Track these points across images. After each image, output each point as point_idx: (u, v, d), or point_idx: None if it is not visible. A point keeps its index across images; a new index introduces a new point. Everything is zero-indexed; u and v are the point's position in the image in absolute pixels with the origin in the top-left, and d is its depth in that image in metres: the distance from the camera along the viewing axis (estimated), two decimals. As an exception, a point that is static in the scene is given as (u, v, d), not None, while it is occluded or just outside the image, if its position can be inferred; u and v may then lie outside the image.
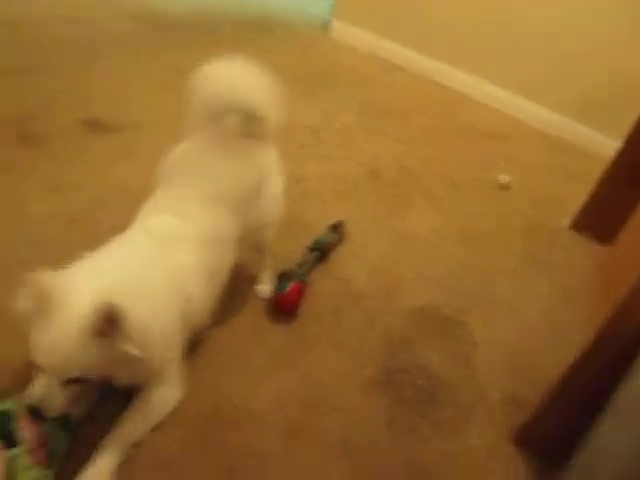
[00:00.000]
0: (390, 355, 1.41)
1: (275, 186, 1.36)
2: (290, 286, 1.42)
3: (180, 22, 3.30)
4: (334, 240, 1.72)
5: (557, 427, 1.21)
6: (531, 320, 1.70)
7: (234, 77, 1.21)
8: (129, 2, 3.33)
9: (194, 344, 1.21)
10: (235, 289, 1.38)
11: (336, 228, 1.77)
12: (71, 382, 0.87)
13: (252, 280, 1.49)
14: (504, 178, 2.47)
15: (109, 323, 0.82)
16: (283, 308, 1.43)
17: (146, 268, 1.02)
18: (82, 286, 0.87)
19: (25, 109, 1.97)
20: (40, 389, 0.84)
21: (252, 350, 1.32)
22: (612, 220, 2.09)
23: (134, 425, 1.02)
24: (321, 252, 1.64)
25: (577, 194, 2.24)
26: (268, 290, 1.47)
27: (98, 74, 2.39)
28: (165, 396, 1.09)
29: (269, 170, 1.33)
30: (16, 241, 1.40)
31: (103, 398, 1.07)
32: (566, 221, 2.28)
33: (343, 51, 3.73)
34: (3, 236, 1.40)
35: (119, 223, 1.15)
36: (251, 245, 1.41)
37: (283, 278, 1.44)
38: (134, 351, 0.86)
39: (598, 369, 1.13)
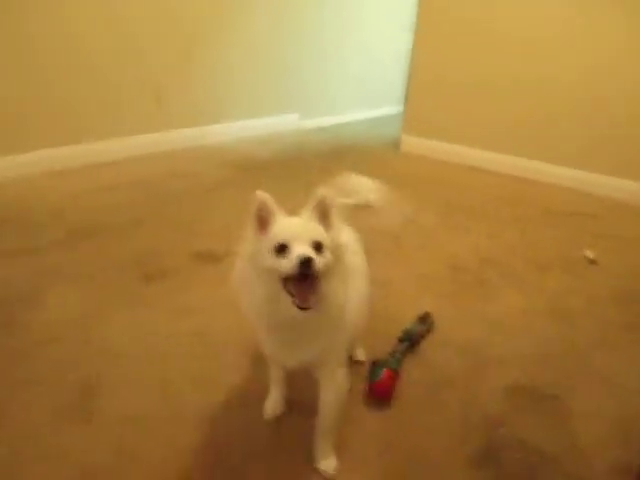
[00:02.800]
0: (488, 432, 1.44)
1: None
2: (383, 373, 1.53)
3: (267, 163, 3.83)
4: (422, 330, 1.83)
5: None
6: (633, 388, 1.65)
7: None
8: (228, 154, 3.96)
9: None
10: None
11: (423, 319, 1.89)
12: (316, 250, 1.04)
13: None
14: (589, 253, 2.48)
15: (324, 211, 1.08)
16: (378, 395, 1.52)
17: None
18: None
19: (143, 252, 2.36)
20: (302, 252, 1.01)
21: (349, 435, 1.40)
22: None
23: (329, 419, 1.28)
24: (410, 342, 1.75)
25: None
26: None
27: (202, 215, 2.83)
28: (340, 384, 1.25)
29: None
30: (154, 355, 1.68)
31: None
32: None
33: (415, 161, 4.05)
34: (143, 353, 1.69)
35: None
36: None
37: (376, 366, 1.57)
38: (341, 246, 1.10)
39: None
